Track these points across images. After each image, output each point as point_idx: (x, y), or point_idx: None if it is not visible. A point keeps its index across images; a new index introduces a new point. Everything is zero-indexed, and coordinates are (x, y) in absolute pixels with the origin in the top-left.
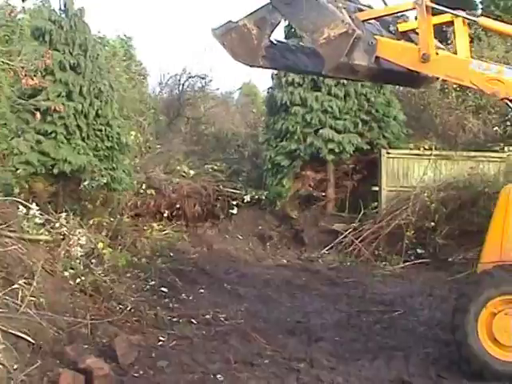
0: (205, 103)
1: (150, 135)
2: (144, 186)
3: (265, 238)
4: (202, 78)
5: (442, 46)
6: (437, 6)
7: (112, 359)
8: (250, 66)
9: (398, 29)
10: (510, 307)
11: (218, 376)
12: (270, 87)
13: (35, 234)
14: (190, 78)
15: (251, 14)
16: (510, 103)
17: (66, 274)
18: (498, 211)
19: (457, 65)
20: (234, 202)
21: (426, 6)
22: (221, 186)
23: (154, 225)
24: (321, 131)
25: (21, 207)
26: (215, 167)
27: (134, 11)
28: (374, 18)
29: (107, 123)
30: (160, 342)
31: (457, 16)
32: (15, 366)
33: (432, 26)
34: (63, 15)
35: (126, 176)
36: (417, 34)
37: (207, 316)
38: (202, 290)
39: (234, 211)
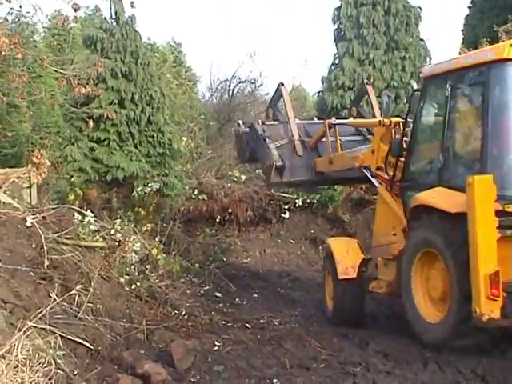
0: (255, 108)
1: (200, 141)
2: (196, 192)
3: (317, 241)
4: (252, 83)
5: None
6: (338, 121)
7: (169, 364)
8: (241, 162)
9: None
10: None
11: (275, 381)
12: (320, 91)
13: (91, 241)
14: (240, 83)
15: (246, 132)
16: (364, 171)
17: (122, 280)
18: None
19: (342, 158)
20: (286, 206)
21: (329, 125)
22: (272, 191)
23: (207, 230)
24: None
25: (76, 214)
26: None
27: (183, 16)
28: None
29: (159, 129)
30: (216, 347)
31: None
32: (75, 372)
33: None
34: (114, 23)
35: (178, 182)
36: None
37: (261, 320)
38: (255, 295)
39: (286, 215)
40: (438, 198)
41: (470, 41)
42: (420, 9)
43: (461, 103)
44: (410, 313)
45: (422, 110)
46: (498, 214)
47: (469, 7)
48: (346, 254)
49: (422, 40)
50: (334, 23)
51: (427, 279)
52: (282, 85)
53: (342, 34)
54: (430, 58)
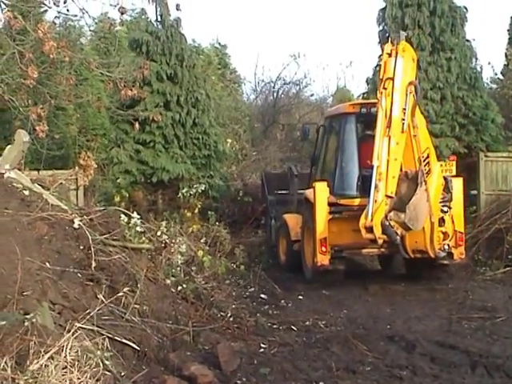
0: (299, 110)
1: (245, 143)
2: (241, 193)
3: None
4: (297, 85)
5: None
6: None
7: (215, 366)
8: None
9: None
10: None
11: (321, 383)
12: (365, 92)
13: (137, 243)
14: (284, 84)
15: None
16: None
17: (168, 281)
18: None
19: None
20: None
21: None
22: None
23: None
24: None
25: (122, 216)
26: None
27: (228, 18)
28: None
29: (204, 131)
30: (261, 349)
31: None
32: (122, 373)
33: None
34: (160, 26)
35: (224, 183)
36: None
37: (307, 323)
38: (300, 297)
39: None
40: (310, 193)
41: None
42: (466, 9)
43: (332, 136)
44: (302, 260)
45: (323, 139)
46: (332, 204)
47: None
48: (296, 224)
49: (467, 41)
50: (379, 24)
51: (308, 241)
52: (290, 169)
53: (387, 35)
54: (476, 59)
